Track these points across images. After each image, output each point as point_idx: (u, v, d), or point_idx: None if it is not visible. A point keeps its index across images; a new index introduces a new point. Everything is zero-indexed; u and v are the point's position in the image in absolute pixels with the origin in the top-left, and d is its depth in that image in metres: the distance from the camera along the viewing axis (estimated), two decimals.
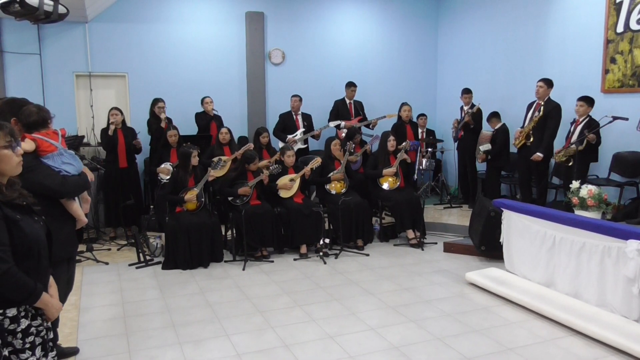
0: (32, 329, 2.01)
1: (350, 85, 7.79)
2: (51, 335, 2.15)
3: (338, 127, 7.62)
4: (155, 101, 6.94)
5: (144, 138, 7.39)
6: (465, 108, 7.54)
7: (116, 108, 6.35)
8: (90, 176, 3.28)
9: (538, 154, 6.01)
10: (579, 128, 5.78)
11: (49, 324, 2.14)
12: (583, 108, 5.79)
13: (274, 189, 5.89)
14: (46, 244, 2.09)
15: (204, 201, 5.70)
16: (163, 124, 6.68)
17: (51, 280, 2.17)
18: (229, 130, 6.72)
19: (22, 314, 1.98)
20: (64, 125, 6.66)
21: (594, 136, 5.56)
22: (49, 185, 2.86)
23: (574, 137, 5.77)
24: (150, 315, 4.19)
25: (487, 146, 6.92)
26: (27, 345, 1.98)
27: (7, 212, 1.93)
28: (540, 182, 6.24)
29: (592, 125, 5.66)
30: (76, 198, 3.13)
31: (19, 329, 1.96)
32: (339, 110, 7.79)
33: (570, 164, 5.65)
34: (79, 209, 3.11)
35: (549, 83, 6.11)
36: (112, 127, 6.21)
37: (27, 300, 1.98)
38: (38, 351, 2.01)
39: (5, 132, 1.99)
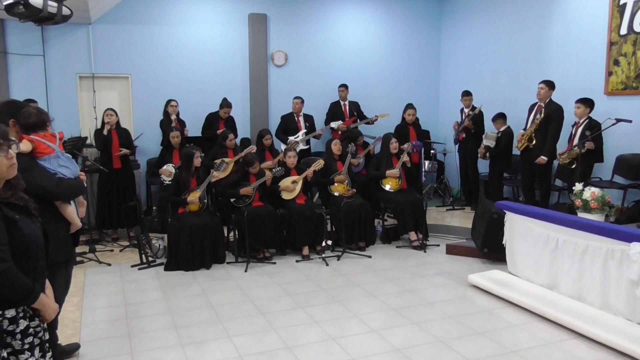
0: (31, 330, 2.00)
1: (340, 86, 7.98)
2: (47, 336, 2.14)
3: (333, 129, 7.75)
4: (168, 102, 7.03)
5: (150, 138, 7.42)
6: (466, 110, 7.53)
7: (111, 109, 6.35)
8: (83, 177, 3.25)
9: (542, 157, 5.98)
10: (579, 130, 5.76)
11: (46, 325, 2.13)
12: (580, 110, 5.77)
13: (276, 191, 5.89)
14: (44, 245, 2.08)
15: (206, 202, 5.71)
16: (173, 124, 6.73)
17: (46, 281, 2.16)
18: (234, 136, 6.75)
19: (21, 314, 1.97)
20: (67, 126, 6.71)
21: (592, 144, 5.54)
22: (44, 186, 2.86)
23: (576, 140, 5.75)
24: (152, 316, 4.19)
25: (492, 143, 6.88)
26: (26, 346, 1.97)
27: (6, 211, 1.92)
28: (543, 185, 6.22)
29: (593, 127, 5.63)
30: (72, 202, 3.13)
31: (17, 330, 1.95)
32: (334, 113, 7.94)
33: (574, 166, 5.62)
34: (74, 212, 3.11)
35: (550, 85, 6.08)
36: (106, 127, 6.19)
37: (26, 300, 1.97)
38: (37, 352, 2.00)
39: None
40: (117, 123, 6.36)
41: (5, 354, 1.92)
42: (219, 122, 7.28)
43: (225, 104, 7.28)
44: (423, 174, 7.29)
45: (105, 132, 6.20)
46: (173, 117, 6.84)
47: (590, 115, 5.80)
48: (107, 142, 6.23)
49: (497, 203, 5.23)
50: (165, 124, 6.93)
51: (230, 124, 7.36)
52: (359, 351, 3.55)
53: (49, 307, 2.07)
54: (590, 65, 6.44)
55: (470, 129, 7.32)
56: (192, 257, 5.35)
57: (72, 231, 3.15)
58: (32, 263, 2.00)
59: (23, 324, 1.97)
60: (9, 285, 1.89)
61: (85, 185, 3.28)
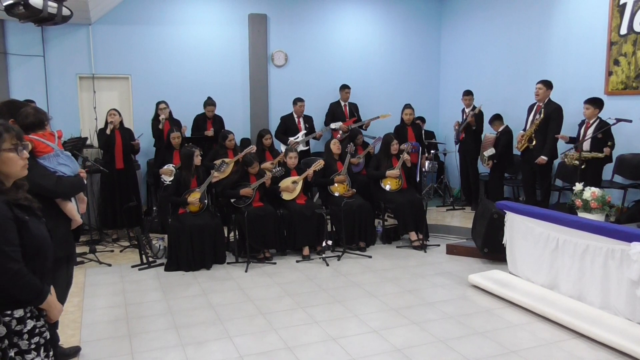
0: (37, 330, 2.01)
1: (344, 88, 7.98)
2: (49, 336, 2.15)
3: (334, 129, 7.74)
4: (158, 103, 6.99)
5: (150, 139, 7.42)
6: (467, 110, 7.54)
7: (114, 109, 6.35)
8: (83, 174, 3.28)
9: (542, 157, 5.97)
10: (590, 130, 5.71)
11: (47, 324, 2.15)
12: (589, 111, 5.73)
13: (276, 191, 5.90)
14: (51, 245, 2.10)
15: (206, 203, 5.71)
16: (161, 125, 6.72)
17: None
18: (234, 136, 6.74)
19: (28, 314, 1.99)
20: (67, 127, 6.71)
21: (609, 149, 5.51)
22: (44, 185, 2.90)
23: (587, 141, 5.66)
24: (152, 317, 4.19)
25: (491, 151, 6.88)
26: (33, 346, 1.98)
27: (16, 212, 1.95)
28: (543, 185, 6.21)
29: (606, 132, 5.58)
30: (72, 198, 3.16)
31: (25, 330, 1.96)
32: (334, 113, 7.93)
33: (583, 167, 5.56)
34: (74, 209, 3.15)
35: (548, 84, 6.07)
36: (110, 126, 6.18)
37: (35, 300, 1.99)
38: (42, 351, 2.02)
39: (12, 134, 1.99)
40: (121, 123, 6.37)
41: (12, 354, 1.93)
42: (206, 122, 7.26)
43: (209, 102, 7.26)
44: (419, 174, 7.28)
45: (108, 131, 6.19)
46: (161, 117, 6.81)
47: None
48: (110, 142, 6.23)
49: (498, 203, 5.23)
50: (155, 126, 6.93)
51: (218, 123, 7.33)
52: (359, 351, 3.55)
53: (55, 307, 2.10)
54: (590, 65, 6.44)
55: (472, 126, 7.32)
56: (193, 257, 5.35)
57: (72, 227, 3.19)
58: (41, 263, 2.02)
59: (30, 324, 1.98)
60: (20, 286, 1.92)
61: (85, 182, 3.31)
